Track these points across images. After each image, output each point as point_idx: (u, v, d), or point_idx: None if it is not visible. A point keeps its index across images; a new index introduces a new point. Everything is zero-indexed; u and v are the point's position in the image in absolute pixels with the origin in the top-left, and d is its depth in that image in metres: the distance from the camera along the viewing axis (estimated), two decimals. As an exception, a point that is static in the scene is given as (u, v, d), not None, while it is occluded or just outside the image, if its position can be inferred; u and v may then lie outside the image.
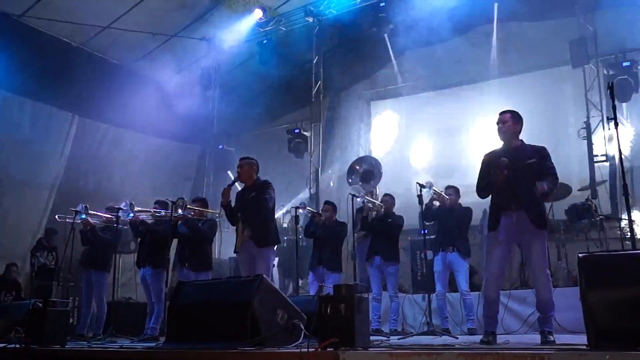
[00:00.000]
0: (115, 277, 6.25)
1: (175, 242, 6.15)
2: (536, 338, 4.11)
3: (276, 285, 5.16)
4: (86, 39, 8.95)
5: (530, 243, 3.85)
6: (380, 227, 6.30)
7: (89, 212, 6.21)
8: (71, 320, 6.56)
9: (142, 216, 6.11)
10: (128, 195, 7.11)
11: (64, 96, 8.72)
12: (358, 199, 6.44)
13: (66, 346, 4.06)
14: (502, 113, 4.08)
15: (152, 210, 6.11)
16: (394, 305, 6.22)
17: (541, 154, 3.97)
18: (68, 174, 8.82)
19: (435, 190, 5.94)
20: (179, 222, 5.90)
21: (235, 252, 5.21)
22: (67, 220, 6.18)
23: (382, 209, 6.40)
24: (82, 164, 9.05)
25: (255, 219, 4.96)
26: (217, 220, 6.35)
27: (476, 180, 4.15)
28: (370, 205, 6.43)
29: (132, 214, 5.96)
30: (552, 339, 3.72)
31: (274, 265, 6.27)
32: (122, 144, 9.43)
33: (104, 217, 6.35)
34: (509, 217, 3.87)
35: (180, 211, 5.82)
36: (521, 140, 4.06)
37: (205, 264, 5.88)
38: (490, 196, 4.06)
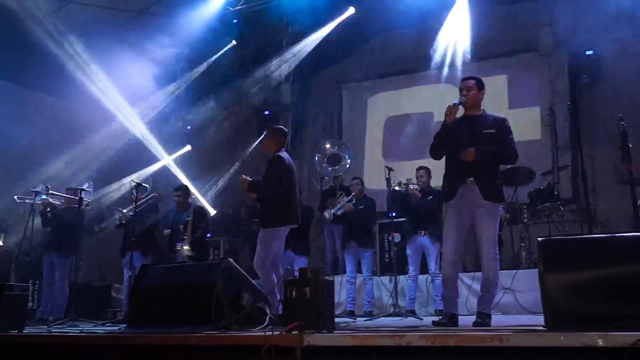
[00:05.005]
0: (79, 261, 6.07)
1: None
2: (499, 320, 4.20)
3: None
4: (46, 15, 8.55)
5: (481, 217, 3.64)
6: (358, 213, 6.34)
7: (50, 192, 6.02)
8: (31, 304, 6.39)
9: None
10: (87, 177, 6.92)
11: (24, 74, 8.37)
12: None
13: (24, 331, 3.94)
14: (465, 79, 3.89)
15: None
16: (368, 287, 6.32)
17: (501, 125, 3.76)
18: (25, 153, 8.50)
19: (404, 185, 5.98)
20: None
21: None
22: (27, 201, 5.97)
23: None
24: (40, 142, 8.71)
25: None
26: None
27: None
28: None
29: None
30: (488, 321, 3.57)
31: None
32: (86, 125, 9.11)
33: (66, 198, 6.16)
34: (464, 189, 3.69)
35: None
36: (482, 109, 3.88)
37: None
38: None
